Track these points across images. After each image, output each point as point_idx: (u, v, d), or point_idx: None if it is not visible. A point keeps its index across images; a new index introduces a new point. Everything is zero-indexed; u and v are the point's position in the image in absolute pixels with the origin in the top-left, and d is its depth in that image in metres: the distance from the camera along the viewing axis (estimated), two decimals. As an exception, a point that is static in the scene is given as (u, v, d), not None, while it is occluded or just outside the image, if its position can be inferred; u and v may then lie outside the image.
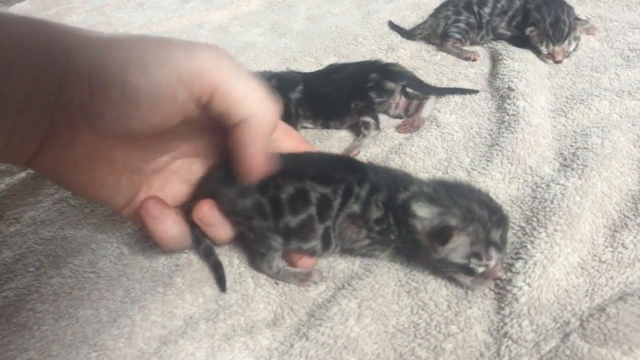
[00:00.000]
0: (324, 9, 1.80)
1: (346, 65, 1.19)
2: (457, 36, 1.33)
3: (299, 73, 1.20)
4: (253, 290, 0.73)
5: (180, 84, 0.58)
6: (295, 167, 0.72)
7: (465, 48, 1.33)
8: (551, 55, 1.21)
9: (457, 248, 0.66)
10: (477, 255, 0.66)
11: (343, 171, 0.72)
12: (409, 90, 1.13)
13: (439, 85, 1.18)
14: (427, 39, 1.41)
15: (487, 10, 1.33)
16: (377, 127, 1.05)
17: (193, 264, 0.77)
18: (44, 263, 0.82)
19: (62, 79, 0.57)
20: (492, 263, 0.66)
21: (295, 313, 0.70)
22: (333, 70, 1.17)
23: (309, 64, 1.40)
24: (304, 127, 1.15)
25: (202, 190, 0.73)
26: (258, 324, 0.69)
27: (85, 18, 2.04)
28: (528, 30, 1.24)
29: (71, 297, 0.75)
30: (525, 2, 1.31)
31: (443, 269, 0.70)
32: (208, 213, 0.71)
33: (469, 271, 0.67)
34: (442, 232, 0.65)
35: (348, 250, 0.75)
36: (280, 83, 1.12)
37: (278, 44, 1.56)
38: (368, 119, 1.05)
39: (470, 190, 0.71)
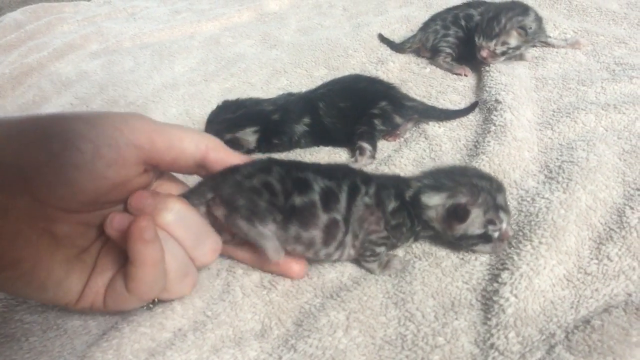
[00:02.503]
0: (315, 21, 1.82)
1: (353, 89, 1.12)
2: (448, 50, 1.34)
3: (303, 99, 1.14)
4: (241, 300, 0.73)
5: (116, 130, 0.61)
6: (295, 163, 0.75)
7: (455, 64, 1.33)
8: (478, 48, 1.24)
9: (474, 221, 0.72)
10: (491, 222, 0.73)
11: (345, 171, 0.76)
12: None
13: (427, 98, 1.19)
14: (417, 52, 1.43)
15: (473, 25, 1.34)
16: (372, 156, 1.02)
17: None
18: (32, 274, 0.81)
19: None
20: (504, 225, 0.73)
21: (283, 323, 0.70)
22: (340, 97, 1.10)
23: (299, 76, 1.41)
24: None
25: (203, 185, 0.72)
26: (246, 335, 0.69)
27: (77, 28, 2.05)
28: (474, 20, 1.27)
29: (59, 308, 0.75)
30: None
31: (463, 244, 0.76)
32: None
33: (487, 238, 0.74)
34: (457, 211, 0.72)
35: (358, 251, 0.75)
36: (284, 115, 1.09)
37: (269, 56, 1.57)
38: (365, 145, 1.02)
39: (464, 169, 0.79)
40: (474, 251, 0.76)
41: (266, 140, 1.07)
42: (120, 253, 0.65)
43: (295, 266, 0.75)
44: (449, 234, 0.74)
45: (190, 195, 0.71)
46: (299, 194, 0.70)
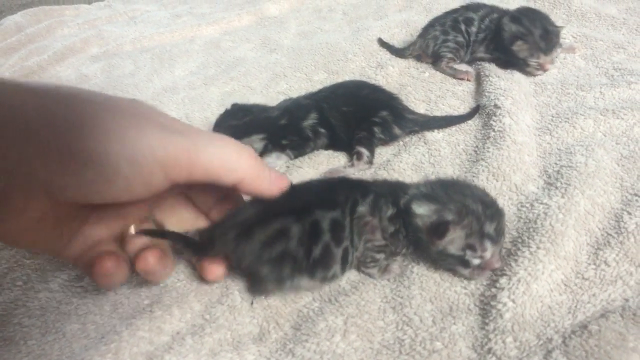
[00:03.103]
0: (315, 25, 1.82)
1: (356, 96, 1.12)
2: (450, 55, 1.34)
3: (308, 99, 1.14)
4: (240, 304, 0.73)
5: (156, 164, 0.59)
6: (300, 200, 0.72)
7: (458, 68, 1.33)
8: (541, 66, 1.23)
9: (454, 240, 0.70)
10: (471, 247, 0.70)
11: (345, 191, 0.74)
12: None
13: (427, 102, 1.20)
14: (418, 58, 1.42)
15: (474, 29, 1.35)
16: (370, 162, 1.02)
17: (181, 279, 0.77)
18: (31, 277, 0.82)
19: (21, 149, 0.54)
20: (487, 254, 0.70)
21: (281, 327, 0.70)
22: (343, 101, 1.10)
23: (299, 80, 1.41)
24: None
25: (216, 252, 0.71)
26: (244, 339, 0.69)
27: (77, 31, 2.05)
28: (517, 45, 1.23)
29: (58, 311, 0.75)
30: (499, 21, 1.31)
31: (442, 262, 0.74)
32: (155, 264, 0.68)
33: (465, 263, 0.71)
34: (439, 226, 0.70)
35: (363, 259, 0.75)
36: (291, 117, 1.09)
37: (269, 59, 1.58)
38: (363, 150, 1.02)
39: (465, 187, 0.75)
40: (452, 271, 0.75)
41: (275, 143, 1.07)
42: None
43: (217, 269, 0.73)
44: (431, 247, 0.73)
45: (208, 252, 0.71)
46: (316, 245, 0.69)
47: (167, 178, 0.60)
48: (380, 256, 0.74)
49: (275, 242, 0.68)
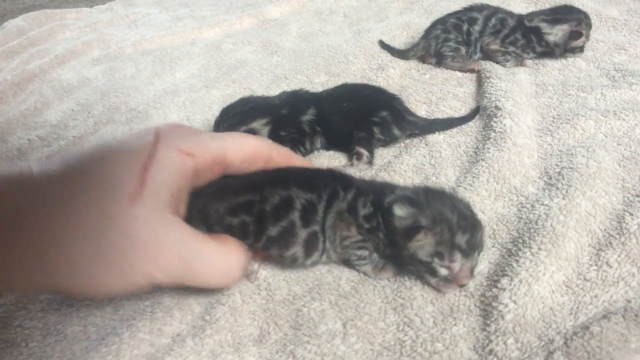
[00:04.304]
0: (316, 28, 1.83)
1: (358, 95, 1.13)
2: (451, 53, 1.34)
3: (310, 94, 1.16)
4: (240, 305, 0.73)
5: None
6: (281, 178, 0.76)
7: (466, 60, 1.34)
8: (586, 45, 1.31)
9: (424, 246, 0.70)
10: (440, 256, 0.69)
11: (327, 179, 0.77)
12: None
13: (427, 104, 1.20)
14: (421, 59, 1.43)
15: (477, 28, 1.35)
16: (369, 162, 1.02)
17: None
18: (32, 279, 0.82)
19: None
20: (455, 266, 0.69)
21: (280, 328, 0.70)
22: (344, 98, 1.12)
23: (300, 82, 1.41)
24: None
25: (193, 204, 0.72)
26: (244, 340, 0.69)
27: (79, 34, 2.05)
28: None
29: (59, 313, 0.75)
30: (519, 21, 1.33)
31: (411, 266, 0.74)
32: None
33: (432, 271, 0.71)
34: (410, 229, 0.69)
35: (340, 255, 0.76)
36: (291, 109, 1.10)
37: (270, 62, 1.58)
38: (363, 150, 1.02)
39: (448, 197, 0.74)
40: (421, 278, 0.74)
41: (274, 133, 1.07)
42: None
43: None
44: (403, 251, 0.72)
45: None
46: (274, 223, 0.73)
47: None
48: (363, 253, 0.75)
49: (239, 211, 0.73)
